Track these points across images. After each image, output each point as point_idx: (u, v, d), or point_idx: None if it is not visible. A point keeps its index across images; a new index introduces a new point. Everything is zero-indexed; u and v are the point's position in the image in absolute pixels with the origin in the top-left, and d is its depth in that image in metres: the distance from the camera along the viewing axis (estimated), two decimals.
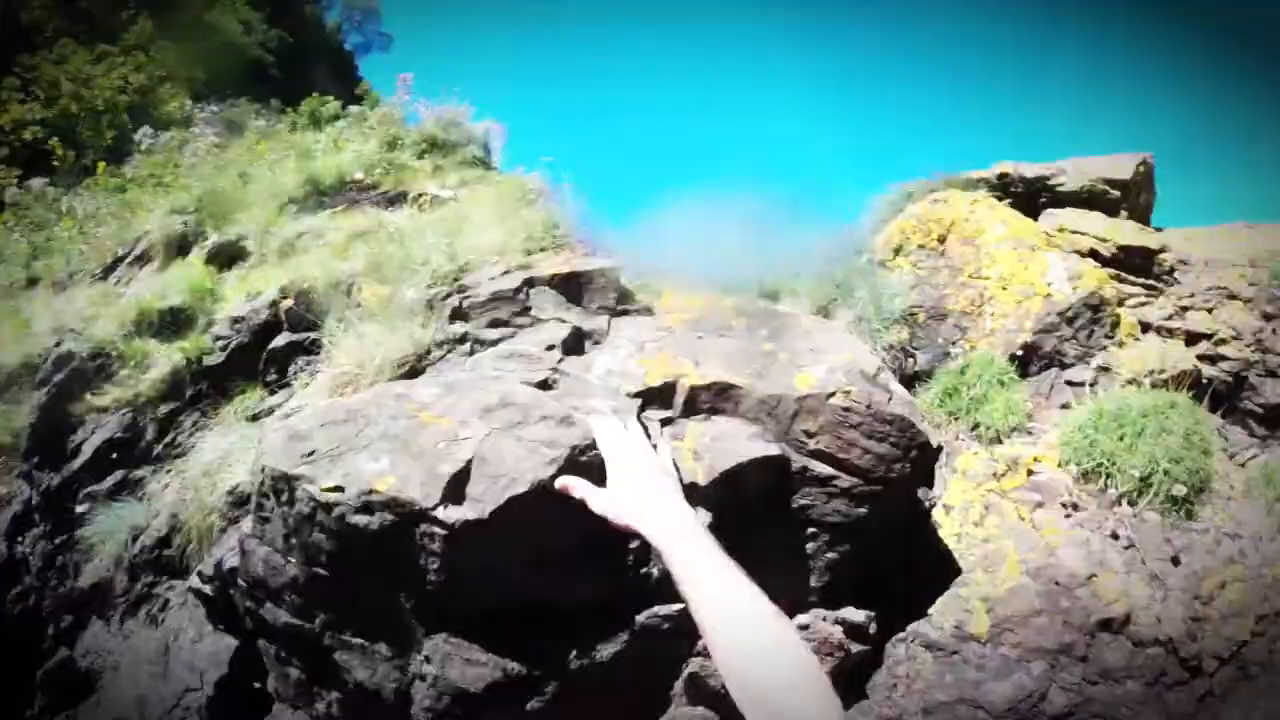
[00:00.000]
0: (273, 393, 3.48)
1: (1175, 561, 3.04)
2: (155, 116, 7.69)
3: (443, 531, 1.93)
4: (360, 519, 1.97)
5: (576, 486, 1.73)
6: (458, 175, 5.18)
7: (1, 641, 3.28)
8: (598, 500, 1.63)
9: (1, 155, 9.78)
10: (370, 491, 1.96)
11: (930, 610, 2.79)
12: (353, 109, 7.38)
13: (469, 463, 2.00)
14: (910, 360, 3.77)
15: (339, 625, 2.25)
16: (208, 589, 2.81)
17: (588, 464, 1.99)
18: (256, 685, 2.73)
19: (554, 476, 1.92)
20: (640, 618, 2.19)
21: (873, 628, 2.58)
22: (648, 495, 1.55)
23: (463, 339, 2.98)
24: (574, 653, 2.18)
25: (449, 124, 5.71)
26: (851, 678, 2.63)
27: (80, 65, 11.09)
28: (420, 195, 4.69)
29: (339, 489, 1.99)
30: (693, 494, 2.21)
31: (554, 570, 2.10)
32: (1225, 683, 2.84)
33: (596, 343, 2.81)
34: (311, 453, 2.09)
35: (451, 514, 1.92)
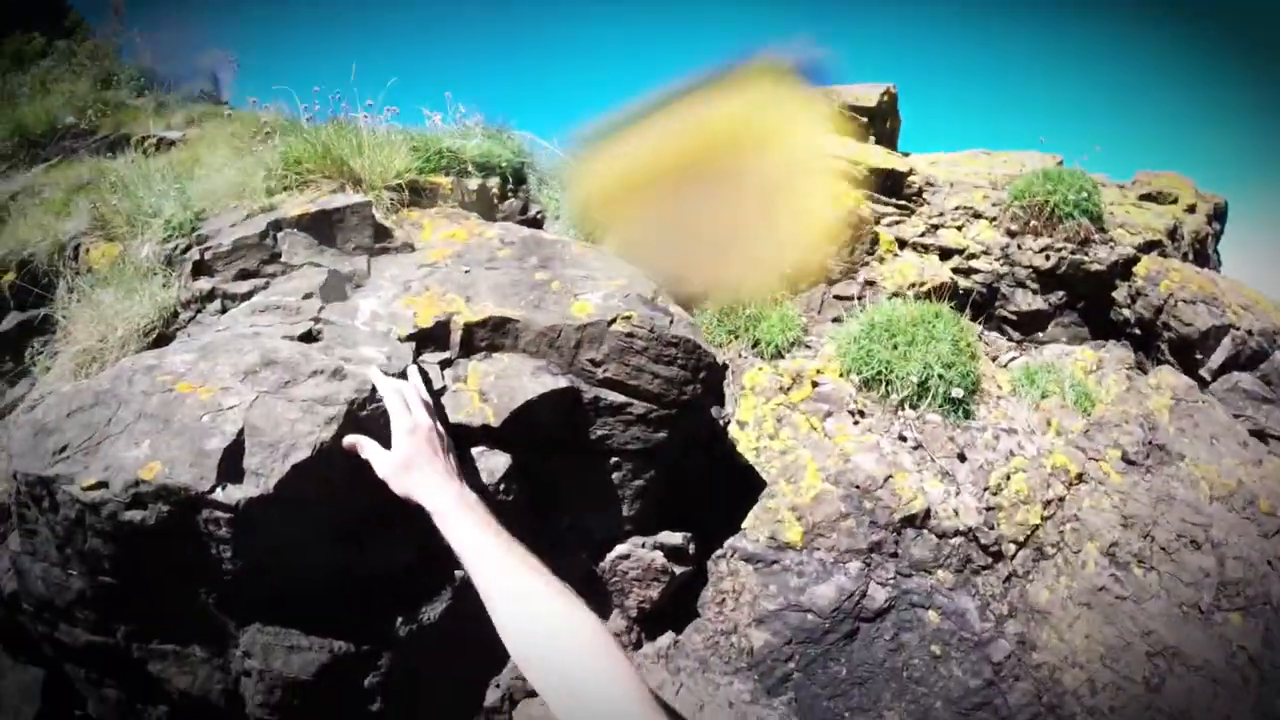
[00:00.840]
0: (12, 384, 3.29)
1: (961, 458, 3.56)
2: None
3: (226, 515, 1.89)
4: (133, 515, 1.90)
5: (364, 446, 1.84)
6: (184, 113, 5.02)
7: None
8: (381, 465, 1.75)
9: None
10: (137, 483, 1.88)
11: (744, 524, 3.12)
12: (60, 44, 6.91)
13: (240, 433, 1.96)
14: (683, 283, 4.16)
15: (144, 635, 2.18)
16: None
17: (369, 418, 2.06)
18: (78, 713, 2.58)
19: (336, 436, 1.97)
20: (459, 573, 2.28)
21: (692, 548, 2.84)
22: (425, 467, 1.70)
23: (211, 295, 2.92)
24: (400, 620, 2.25)
25: (169, 55, 5.53)
26: (680, 599, 2.88)
27: None
28: (145, 138, 4.53)
29: (102, 485, 1.90)
30: (486, 436, 2.35)
31: (357, 537, 2.14)
32: (1026, 563, 3.35)
33: (358, 286, 2.82)
34: (64, 448, 1.99)
35: (232, 494, 1.88)
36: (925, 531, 3.26)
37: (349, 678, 2.21)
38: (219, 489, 1.90)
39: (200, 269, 3.03)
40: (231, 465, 1.94)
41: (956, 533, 3.28)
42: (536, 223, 4.20)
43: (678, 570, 2.80)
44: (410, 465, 1.72)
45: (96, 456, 1.98)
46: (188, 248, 3.09)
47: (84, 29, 8.29)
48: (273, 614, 2.15)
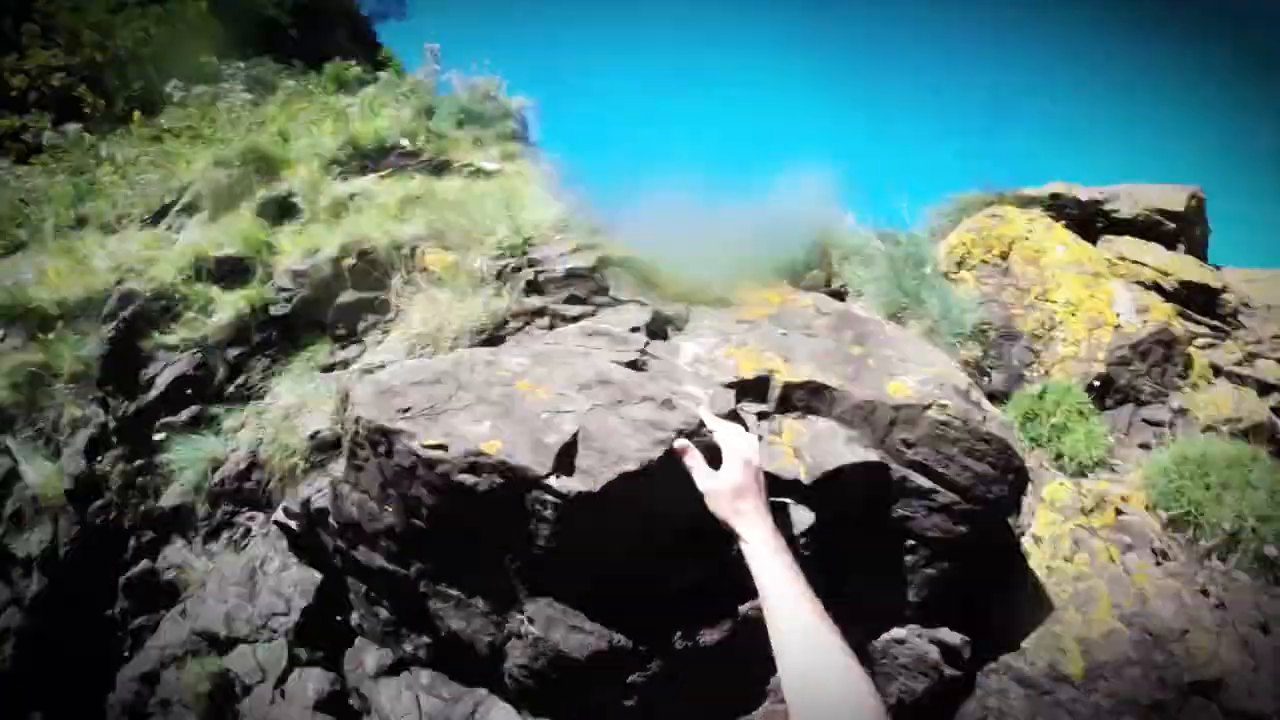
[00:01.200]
0: (344, 347, 3.95)
1: (1264, 630, 3.13)
2: (183, 70, 8.11)
3: (555, 500, 2.14)
4: (466, 478, 2.20)
5: (691, 454, 1.93)
6: (499, 149, 5.59)
7: (84, 549, 3.73)
8: (706, 481, 1.83)
9: (32, 99, 11.00)
10: (478, 453, 2.19)
11: (1024, 644, 2.93)
12: (382, 75, 7.93)
13: (575, 436, 2.22)
14: (985, 379, 3.99)
15: (436, 575, 2.52)
16: (293, 524, 3.22)
17: None
18: (338, 619, 3.09)
19: (663, 457, 2.15)
20: (743, 608, 2.38)
21: (967, 653, 2.74)
22: (752, 498, 1.75)
23: (541, 312, 3.30)
24: (679, 633, 2.38)
25: (483, 96, 6.12)
26: (941, 700, 2.76)
27: (98, 14, 12.03)
28: (466, 165, 5.13)
29: (442, 447, 2.22)
30: (795, 492, 2.44)
31: (661, 549, 2.30)
32: None
33: (678, 329, 3.07)
34: (407, 409, 2.35)
35: (565, 484, 2.14)
36: (1213, 704, 2.91)
37: (615, 669, 2.37)
38: (553, 477, 2.16)
39: (532, 287, 3.41)
40: (565, 461, 2.20)
41: (1245, 714, 2.89)
42: (840, 296, 4.29)
43: (948, 671, 2.70)
44: (741, 493, 1.77)
45: (438, 423, 2.31)
46: (518, 268, 3.50)
47: (396, 65, 9.42)
48: (565, 593, 2.37)
